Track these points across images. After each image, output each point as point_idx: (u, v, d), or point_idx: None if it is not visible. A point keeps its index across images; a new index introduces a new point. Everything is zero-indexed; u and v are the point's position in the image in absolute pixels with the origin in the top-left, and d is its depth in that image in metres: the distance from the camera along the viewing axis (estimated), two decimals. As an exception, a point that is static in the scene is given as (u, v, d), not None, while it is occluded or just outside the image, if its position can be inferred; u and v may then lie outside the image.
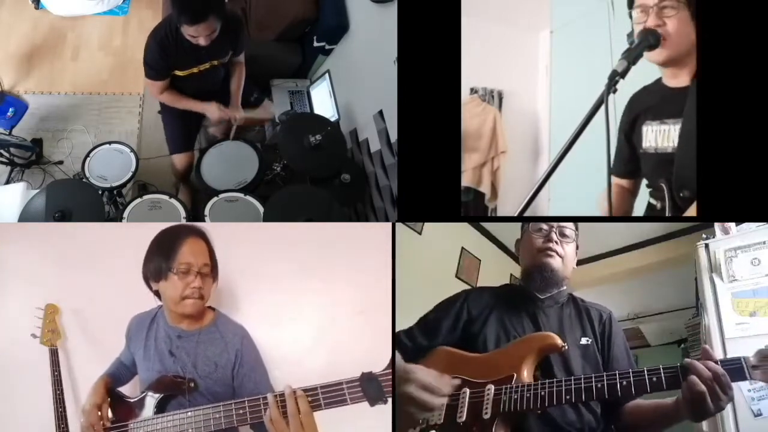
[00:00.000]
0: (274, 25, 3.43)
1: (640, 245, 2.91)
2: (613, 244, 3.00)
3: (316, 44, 3.36)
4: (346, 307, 1.81)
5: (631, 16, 1.49)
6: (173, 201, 2.53)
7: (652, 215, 1.60)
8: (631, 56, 1.40)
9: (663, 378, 1.23)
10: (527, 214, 1.39)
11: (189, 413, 1.44)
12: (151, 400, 1.53)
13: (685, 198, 1.46)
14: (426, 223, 2.49)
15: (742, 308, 1.93)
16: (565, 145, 1.35)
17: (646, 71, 1.52)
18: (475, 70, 2.96)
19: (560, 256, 1.52)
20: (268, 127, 3.44)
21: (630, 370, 1.27)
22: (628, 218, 1.71)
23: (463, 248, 2.88)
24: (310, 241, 1.87)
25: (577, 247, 1.57)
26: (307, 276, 1.82)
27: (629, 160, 1.63)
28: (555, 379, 1.33)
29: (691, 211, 1.46)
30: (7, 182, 3.16)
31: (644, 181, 1.65)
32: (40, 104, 3.52)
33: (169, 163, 2.98)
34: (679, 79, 1.50)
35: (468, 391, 1.37)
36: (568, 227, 1.55)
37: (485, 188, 3.10)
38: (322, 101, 3.42)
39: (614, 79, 1.37)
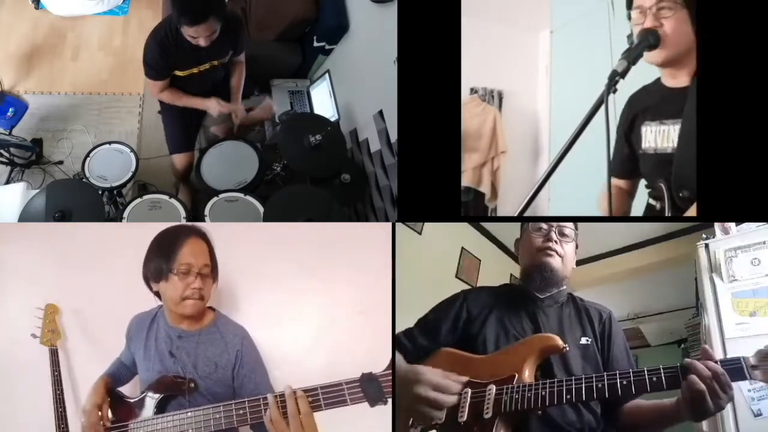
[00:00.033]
0: (274, 25, 3.43)
1: (640, 245, 2.91)
2: (613, 244, 3.00)
3: (316, 44, 3.36)
4: (346, 307, 1.81)
5: (629, 18, 1.49)
6: (173, 201, 2.53)
7: (651, 215, 1.60)
8: (631, 56, 1.40)
9: (663, 378, 1.23)
10: (527, 214, 1.39)
11: (189, 413, 1.44)
12: (151, 400, 1.53)
13: (685, 198, 1.46)
14: (426, 223, 2.49)
15: (742, 308, 1.93)
16: (565, 145, 1.35)
17: (646, 71, 1.52)
18: (475, 70, 2.96)
19: (560, 256, 1.52)
20: (268, 127, 3.44)
21: (630, 370, 1.27)
22: (628, 218, 1.71)
23: (463, 248, 2.88)
24: (310, 241, 1.87)
25: (577, 247, 1.57)
26: (307, 276, 1.82)
27: (628, 161, 1.63)
28: (556, 379, 1.33)
29: (691, 211, 1.46)
30: (7, 182, 3.16)
31: (643, 182, 1.65)
32: (40, 104, 3.52)
33: (169, 163, 2.98)
34: (679, 79, 1.49)
35: (469, 391, 1.37)
36: (568, 227, 1.55)
37: (485, 188, 3.10)
38: (322, 101, 3.42)
39: (614, 79, 1.37)
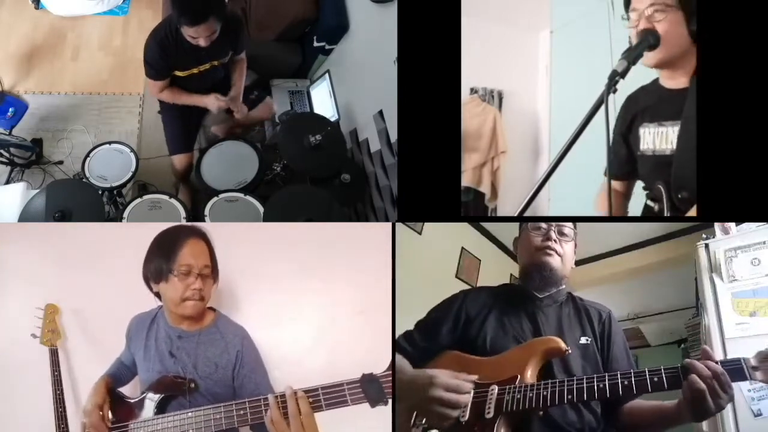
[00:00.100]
0: (274, 25, 3.43)
1: (640, 245, 2.91)
2: (613, 244, 3.01)
3: (316, 44, 3.36)
4: (346, 307, 1.81)
5: (628, 18, 1.48)
6: (173, 201, 2.53)
7: (651, 215, 1.60)
8: (631, 56, 1.40)
9: (664, 378, 1.23)
10: (527, 214, 1.39)
11: (189, 414, 1.44)
12: (152, 400, 1.53)
13: (684, 199, 1.46)
14: (426, 223, 2.49)
15: (742, 308, 1.93)
16: (565, 145, 1.34)
17: (646, 71, 1.51)
18: (475, 70, 2.96)
19: (559, 255, 1.52)
20: (268, 127, 3.44)
21: (632, 371, 1.27)
22: (628, 218, 1.71)
23: (463, 248, 2.88)
24: (310, 241, 1.87)
25: (576, 246, 1.57)
26: (307, 276, 1.82)
27: (625, 162, 1.62)
28: (557, 380, 1.33)
29: (691, 211, 1.46)
30: (7, 182, 3.16)
31: (640, 183, 1.65)
32: (40, 104, 3.52)
33: (169, 163, 2.98)
34: (677, 80, 1.49)
35: (472, 391, 1.37)
36: (567, 226, 1.55)
37: (485, 188, 3.10)
38: (322, 101, 3.42)
39: (614, 79, 1.37)
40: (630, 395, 1.26)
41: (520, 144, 3.18)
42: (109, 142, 2.80)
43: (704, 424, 1.84)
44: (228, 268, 1.71)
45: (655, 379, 1.24)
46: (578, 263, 1.62)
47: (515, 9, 3.03)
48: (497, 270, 2.94)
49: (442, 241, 2.78)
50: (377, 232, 1.85)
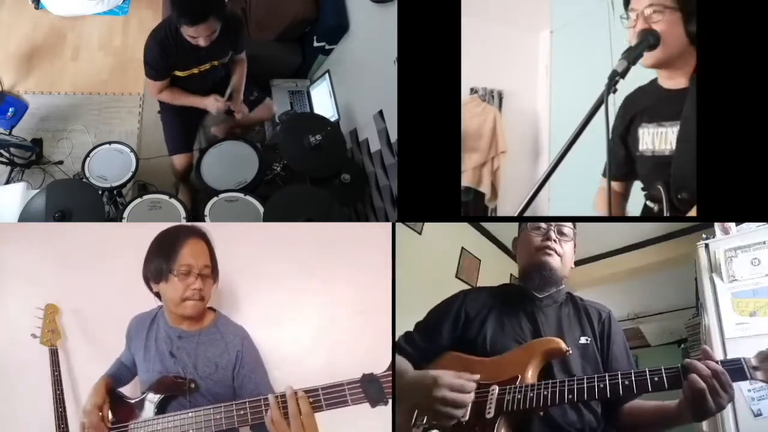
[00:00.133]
0: (274, 25, 3.43)
1: (640, 245, 2.91)
2: (613, 244, 3.00)
3: (316, 44, 3.36)
4: (346, 307, 1.81)
5: (627, 17, 1.48)
6: (173, 201, 2.53)
7: (651, 216, 1.60)
8: (631, 56, 1.40)
9: (664, 377, 1.23)
10: (527, 214, 1.39)
11: (190, 414, 1.44)
12: (152, 401, 1.53)
13: (684, 200, 1.46)
14: (426, 223, 2.49)
15: (742, 308, 1.94)
16: (565, 146, 1.34)
17: (644, 71, 1.51)
18: (475, 70, 2.96)
19: (559, 255, 1.52)
20: (268, 127, 3.44)
21: (632, 370, 1.27)
22: (628, 218, 1.71)
23: (463, 248, 2.88)
24: (310, 241, 1.87)
25: (575, 246, 1.57)
26: (307, 276, 1.82)
27: (623, 163, 1.62)
28: (558, 379, 1.33)
29: (691, 212, 1.46)
30: (7, 182, 3.16)
31: (638, 184, 1.65)
32: (40, 104, 3.52)
33: (169, 163, 2.98)
34: (676, 80, 1.49)
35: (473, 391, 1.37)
36: (567, 226, 1.55)
37: (485, 188, 3.10)
38: (322, 101, 3.42)
39: (614, 79, 1.37)
40: (630, 395, 1.26)
41: (520, 144, 3.17)
42: (109, 142, 2.80)
43: (704, 424, 1.84)
44: (228, 268, 1.71)
45: (656, 378, 1.24)
46: (578, 263, 1.62)
47: (515, 9, 3.03)
48: (497, 270, 2.94)
49: (442, 241, 2.78)
50: (377, 232, 1.85)
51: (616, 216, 1.68)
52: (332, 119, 3.22)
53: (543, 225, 1.53)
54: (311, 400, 1.33)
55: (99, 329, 1.85)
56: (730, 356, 1.24)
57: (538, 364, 1.39)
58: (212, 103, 2.69)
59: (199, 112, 2.83)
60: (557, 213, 2.70)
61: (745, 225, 2.00)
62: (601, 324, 1.51)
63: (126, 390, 1.68)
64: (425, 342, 1.53)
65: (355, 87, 3.14)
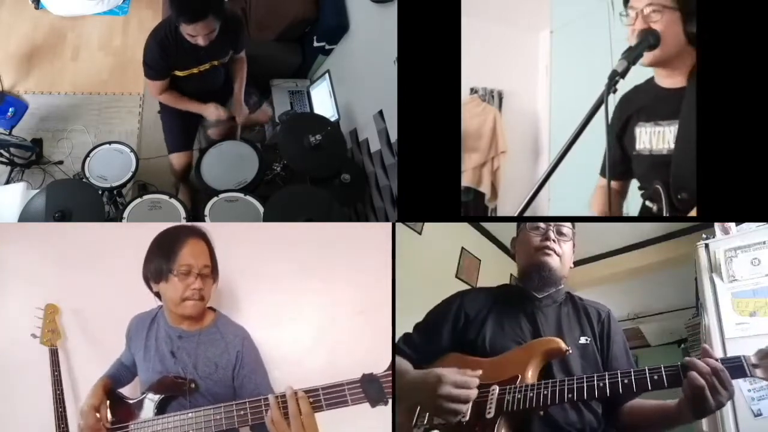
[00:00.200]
0: (274, 25, 3.43)
1: (640, 245, 2.91)
2: (613, 244, 3.00)
3: (316, 44, 3.36)
4: (346, 307, 1.81)
5: (626, 15, 1.48)
6: (173, 201, 2.53)
7: (651, 216, 1.60)
8: (631, 56, 1.40)
9: (664, 376, 1.23)
10: (527, 214, 1.39)
11: (190, 414, 1.44)
12: (152, 401, 1.53)
13: (683, 200, 1.46)
14: (426, 223, 2.49)
15: (742, 308, 1.94)
16: (565, 145, 1.35)
17: (640, 70, 1.51)
18: (475, 70, 2.96)
19: (558, 255, 1.52)
20: (268, 127, 3.44)
21: (632, 369, 1.27)
22: (628, 218, 1.71)
23: (463, 248, 2.88)
24: (310, 241, 1.87)
25: (574, 246, 1.57)
26: (307, 276, 1.82)
27: (619, 162, 1.62)
28: (558, 379, 1.33)
29: (691, 212, 1.46)
30: (7, 182, 3.16)
31: (635, 183, 1.65)
32: (40, 104, 3.52)
33: (169, 163, 2.98)
34: (674, 79, 1.49)
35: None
36: (566, 226, 1.55)
37: (485, 188, 3.10)
38: (322, 101, 3.42)
39: (614, 79, 1.37)
40: (630, 394, 1.27)
41: (520, 144, 3.17)
42: (109, 142, 2.80)
43: (704, 424, 1.84)
44: (228, 268, 1.72)
45: (655, 377, 1.24)
46: (578, 263, 1.61)
47: (515, 9, 3.03)
48: (497, 270, 2.94)
49: (442, 241, 2.78)
50: (377, 232, 1.85)
51: (616, 216, 1.68)
52: (332, 119, 3.21)
53: (542, 225, 1.53)
54: (311, 400, 1.33)
55: (99, 329, 1.85)
56: (730, 356, 1.24)
57: (538, 364, 1.39)
58: (212, 111, 2.70)
59: (200, 112, 2.83)
60: (557, 213, 2.70)
61: (745, 225, 2.01)
62: (600, 324, 1.51)
63: (126, 390, 1.68)
64: (424, 343, 1.53)
65: (355, 87, 3.14)
